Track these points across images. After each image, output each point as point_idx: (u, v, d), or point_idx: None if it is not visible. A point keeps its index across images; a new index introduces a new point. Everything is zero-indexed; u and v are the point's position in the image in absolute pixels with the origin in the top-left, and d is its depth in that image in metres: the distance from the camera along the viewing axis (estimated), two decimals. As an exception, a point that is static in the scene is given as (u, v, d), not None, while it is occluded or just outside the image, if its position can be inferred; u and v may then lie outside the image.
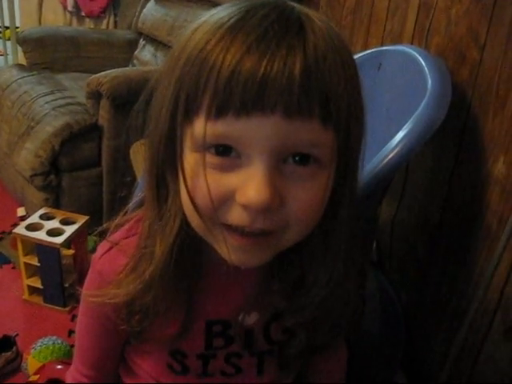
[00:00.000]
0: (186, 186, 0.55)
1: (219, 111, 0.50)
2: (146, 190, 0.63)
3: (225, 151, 0.52)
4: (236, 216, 0.53)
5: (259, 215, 0.52)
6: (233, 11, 0.53)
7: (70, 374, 0.80)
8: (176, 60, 0.55)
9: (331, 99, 0.51)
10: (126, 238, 0.68)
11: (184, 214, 0.58)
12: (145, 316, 0.65)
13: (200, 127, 0.52)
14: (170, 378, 0.73)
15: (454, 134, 1.35)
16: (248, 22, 0.51)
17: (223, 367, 0.73)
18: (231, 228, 0.55)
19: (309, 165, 0.53)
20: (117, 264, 0.65)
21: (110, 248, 0.68)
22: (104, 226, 0.70)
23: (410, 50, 1.34)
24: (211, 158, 0.53)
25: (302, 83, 0.49)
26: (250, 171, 0.52)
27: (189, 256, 0.62)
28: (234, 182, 0.52)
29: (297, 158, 0.53)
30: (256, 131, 0.50)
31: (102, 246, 0.70)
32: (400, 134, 1.07)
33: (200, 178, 0.53)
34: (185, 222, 0.59)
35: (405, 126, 1.08)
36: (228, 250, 0.57)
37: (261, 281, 0.66)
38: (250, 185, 0.51)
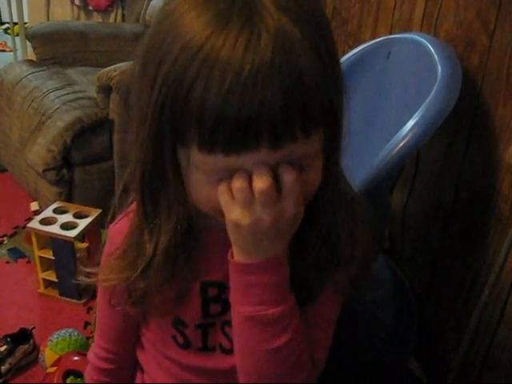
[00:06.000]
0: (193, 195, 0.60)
1: (209, 150, 0.53)
2: (136, 195, 0.66)
3: None
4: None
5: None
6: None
7: (91, 350, 0.86)
8: (153, 67, 0.54)
9: (311, 114, 0.53)
10: None
11: (181, 213, 0.62)
12: (143, 297, 0.69)
13: (194, 155, 0.55)
14: (175, 351, 0.76)
15: (465, 121, 1.34)
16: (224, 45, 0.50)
17: (223, 340, 0.75)
18: None
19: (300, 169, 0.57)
20: (125, 230, 0.70)
21: (122, 217, 0.74)
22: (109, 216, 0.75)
23: (419, 38, 1.34)
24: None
25: (284, 116, 0.51)
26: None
27: (186, 238, 0.65)
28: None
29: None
30: (246, 161, 0.54)
31: (118, 218, 0.75)
32: (410, 122, 1.07)
33: (204, 191, 0.58)
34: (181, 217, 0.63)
35: (415, 114, 1.08)
36: None
37: None
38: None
